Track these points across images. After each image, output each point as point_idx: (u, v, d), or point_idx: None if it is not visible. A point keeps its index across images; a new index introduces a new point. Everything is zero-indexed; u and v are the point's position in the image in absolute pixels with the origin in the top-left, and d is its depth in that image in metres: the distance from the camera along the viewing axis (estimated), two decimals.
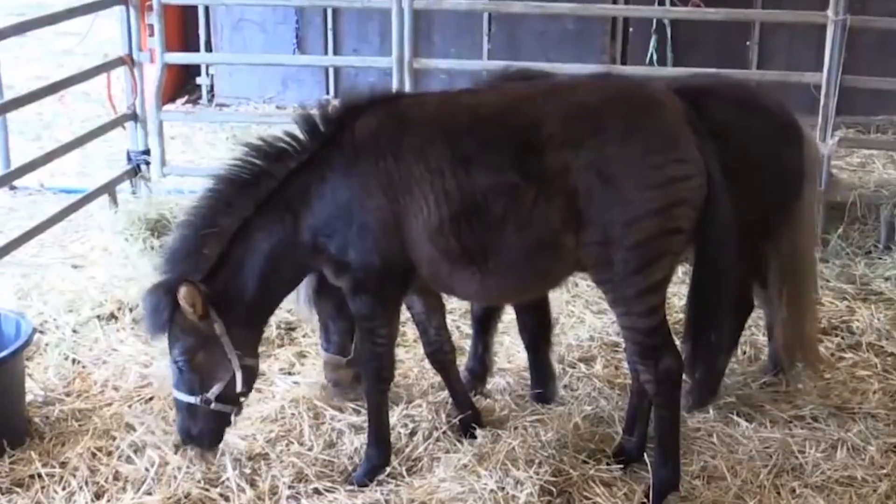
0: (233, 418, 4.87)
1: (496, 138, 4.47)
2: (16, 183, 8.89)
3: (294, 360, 6.16)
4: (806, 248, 5.65)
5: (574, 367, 6.01)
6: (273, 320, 6.24)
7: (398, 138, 4.55)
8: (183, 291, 4.52)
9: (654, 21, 10.29)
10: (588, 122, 4.42)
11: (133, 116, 8.66)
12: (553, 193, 4.39)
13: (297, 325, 6.57)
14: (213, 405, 4.73)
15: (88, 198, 8.17)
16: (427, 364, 5.59)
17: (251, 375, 4.83)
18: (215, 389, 4.71)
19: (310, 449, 5.13)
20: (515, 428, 5.18)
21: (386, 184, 4.52)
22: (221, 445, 5.08)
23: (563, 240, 4.45)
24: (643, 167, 4.37)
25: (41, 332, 6.32)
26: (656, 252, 4.44)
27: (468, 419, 5.25)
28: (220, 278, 4.66)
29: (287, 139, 4.70)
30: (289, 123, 4.84)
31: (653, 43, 10.33)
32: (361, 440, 5.11)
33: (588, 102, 4.50)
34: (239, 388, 4.74)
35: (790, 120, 5.40)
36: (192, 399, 4.72)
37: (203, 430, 4.80)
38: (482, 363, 5.74)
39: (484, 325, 5.72)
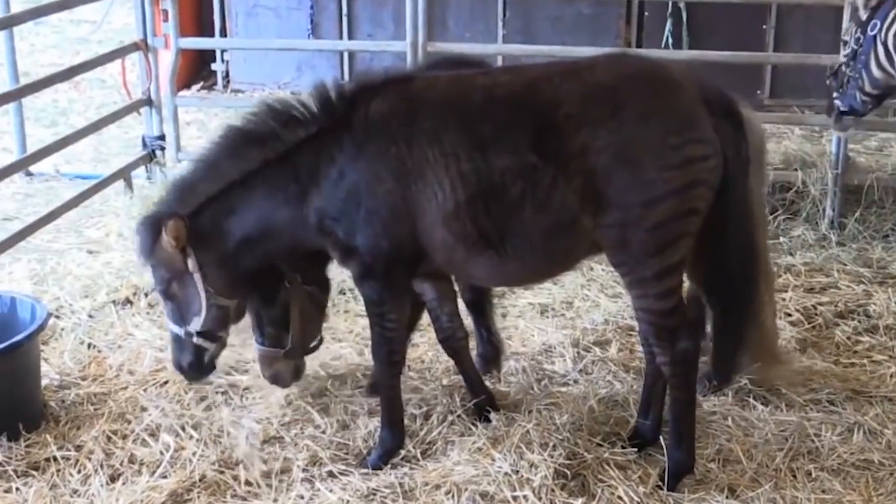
0: (215, 354, 5.01)
1: (513, 119, 4.43)
2: (32, 169, 8.93)
3: None
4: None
5: (589, 351, 5.99)
6: None
7: (411, 122, 4.51)
8: (170, 224, 4.63)
9: (670, 4, 10.24)
10: (606, 101, 4.38)
11: (148, 102, 8.67)
12: (571, 174, 4.35)
13: None
14: (194, 339, 4.87)
15: (104, 183, 8.19)
16: (441, 347, 5.59)
17: (223, 316, 4.90)
18: (194, 324, 4.83)
19: (324, 431, 5.13)
20: (530, 411, 5.17)
21: (397, 169, 4.48)
22: (236, 429, 5.12)
23: (581, 221, 4.41)
24: (662, 147, 4.33)
25: (57, 316, 6.34)
26: (674, 233, 4.41)
27: (482, 403, 5.24)
28: (206, 217, 4.72)
29: (299, 107, 4.68)
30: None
31: (668, 26, 10.28)
32: (375, 423, 5.11)
33: (606, 82, 4.45)
34: (208, 325, 4.85)
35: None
36: (177, 330, 4.88)
37: (192, 362, 4.98)
38: (492, 346, 5.72)
39: (479, 309, 5.69)
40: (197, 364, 5.02)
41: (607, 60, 4.76)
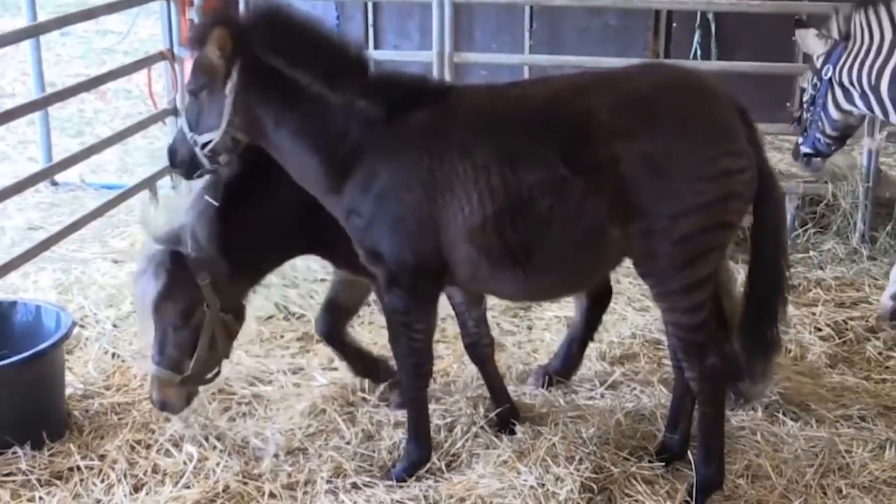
0: (206, 172, 4.77)
1: (545, 131, 4.36)
2: (57, 178, 8.97)
3: (333, 356, 6.12)
4: None
5: (616, 364, 5.93)
6: (312, 315, 6.23)
7: (446, 135, 4.45)
8: (216, 33, 4.47)
9: (699, 15, 10.17)
10: (641, 111, 4.30)
11: (173, 111, 8.66)
12: (602, 185, 4.27)
13: None
14: (197, 148, 4.64)
15: (129, 193, 8.18)
16: (466, 360, 5.54)
17: (232, 148, 4.66)
18: (204, 137, 4.62)
19: (348, 442, 5.09)
20: (556, 424, 5.12)
21: (427, 180, 4.42)
22: (260, 440, 5.08)
23: (609, 232, 4.35)
24: (697, 159, 4.26)
25: (81, 326, 6.34)
26: (704, 246, 4.33)
27: (506, 414, 5.19)
28: (263, 77, 4.52)
29: (376, 83, 4.58)
30: None
31: (697, 38, 10.19)
32: (401, 434, 5.07)
33: (641, 92, 4.38)
34: (216, 146, 4.61)
35: None
36: (187, 130, 4.67)
37: (184, 161, 4.74)
38: None
39: None
40: (188, 167, 4.75)
41: (643, 70, 4.72)
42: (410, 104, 4.52)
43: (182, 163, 4.78)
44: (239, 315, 5.05)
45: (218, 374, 5.10)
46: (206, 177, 4.85)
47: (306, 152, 4.57)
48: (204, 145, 4.63)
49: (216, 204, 4.78)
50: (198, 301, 4.84)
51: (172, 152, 4.82)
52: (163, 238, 4.88)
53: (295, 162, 4.64)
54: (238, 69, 4.50)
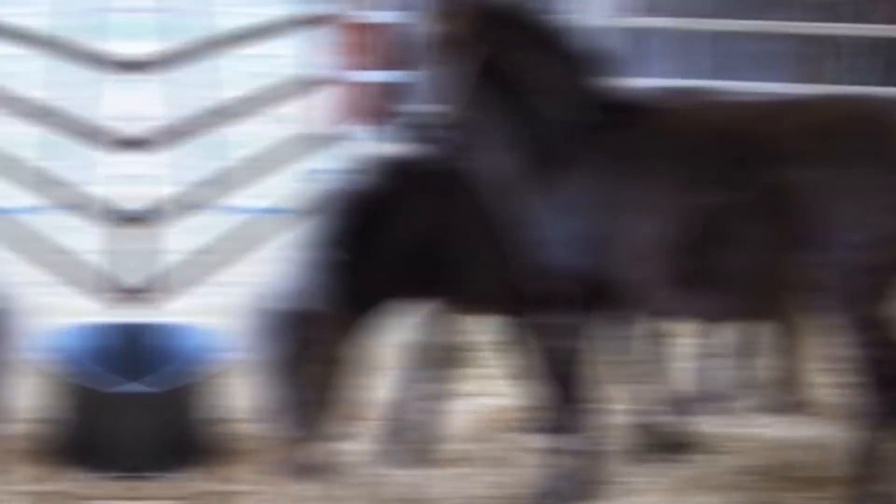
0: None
1: (729, 155, 4.39)
2: (217, 202, 9.04)
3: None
4: None
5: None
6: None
7: (638, 154, 4.46)
8: (472, 10, 4.49)
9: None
10: (827, 139, 4.32)
11: (323, 137, 8.74)
12: (783, 211, 4.28)
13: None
14: (425, 119, 4.57)
15: (281, 217, 8.20)
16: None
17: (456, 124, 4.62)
18: (434, 109, 4.58)
19: None
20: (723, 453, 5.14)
21: (614, 198, 4.44)
22: None
23: (789, 260, 4.31)
24: (877, 191, 4.24)
25: (238, 352, 6.29)
26: (881, 281, 4.30)
27: (674, 440, 5.19)
28: (489, 72, 4.55)
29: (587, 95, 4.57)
30: None
31: (875, 63, 9.85)
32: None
33: (829, 120, 4.40)
34: (449, 123, 4.56)
35: None
36: (418, 99, 4.59)
37: (410, 129, 4.65)
38: None
39: None
40: (415, 135, 4.61)
41: (833, 99, 4.91)
42: (614, 122, 4.54)
43: (409, 129, 4.68)
44: (362, 364, 4.94)
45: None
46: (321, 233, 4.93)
47: (506, 154, 4.60)
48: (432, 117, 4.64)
49: (334, 258, 4.79)
50: (325, 357, 4.78)
51: (401, 117, 4.76)
52: (283, 296, 4.86)
53: (491, 160, 4.64)
54: (481, 53, 4.54)
